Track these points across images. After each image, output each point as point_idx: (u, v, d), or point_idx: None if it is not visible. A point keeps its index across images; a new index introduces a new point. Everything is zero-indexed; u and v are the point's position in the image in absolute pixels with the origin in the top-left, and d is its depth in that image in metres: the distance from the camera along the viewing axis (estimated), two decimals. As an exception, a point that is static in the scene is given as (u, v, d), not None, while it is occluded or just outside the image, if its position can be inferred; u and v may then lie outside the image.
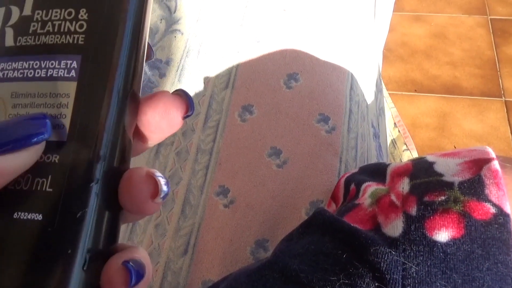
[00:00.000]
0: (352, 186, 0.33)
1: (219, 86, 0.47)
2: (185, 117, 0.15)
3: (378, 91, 0.58)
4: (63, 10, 0.14)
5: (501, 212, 0.23)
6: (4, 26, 0.15)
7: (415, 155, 0.93)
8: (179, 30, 0.51)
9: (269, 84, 0.45)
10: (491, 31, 1.23)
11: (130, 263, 0.13)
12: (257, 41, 0.49)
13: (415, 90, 1.12)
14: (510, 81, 1.11)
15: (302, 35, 0.49)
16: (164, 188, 0.14)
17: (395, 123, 0.97)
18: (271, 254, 0.30)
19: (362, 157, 0.45)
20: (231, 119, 0.44)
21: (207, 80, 0.48)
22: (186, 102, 0.15)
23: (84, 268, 0.13)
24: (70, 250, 0.13)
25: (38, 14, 0.14)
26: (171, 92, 0.15)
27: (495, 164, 0.25)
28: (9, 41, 0.15)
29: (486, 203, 0.23)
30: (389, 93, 0.98)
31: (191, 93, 0.48)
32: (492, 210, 0.23)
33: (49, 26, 0.14)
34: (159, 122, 0.14)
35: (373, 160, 0.48)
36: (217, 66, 0.48)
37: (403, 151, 0.95)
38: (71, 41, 0.14)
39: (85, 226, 0.13)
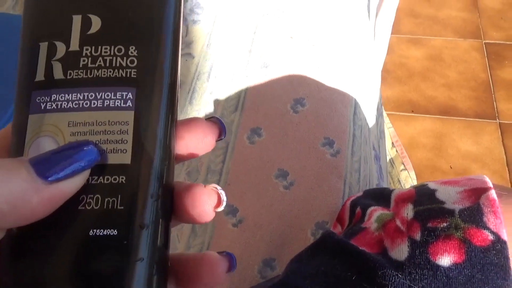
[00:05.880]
0: (358, 209, 0.34)
1: (228, 109, 0.49)
2: (217, 140, 0.17)
3: (379, 114, 0.61)
4: (112, 46, 0.16)
5: (498, 239, 0.25)
6: (50, 60, 0.16)
7: (412, 175, 0.95)
8: (190, 54, 0.53)
9: (277, 108, 0.48)
10: (485, 55, 1.27)
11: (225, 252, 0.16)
12: (265, 66, 0.51)
13: (412, 111, 1.15)
14: (504, 103, 1.15)
15: (308, 61, 0.51)
16: (225, 198, 0.16)
17: (392, 143, 0.99)
18: (282, 274, 0.31)
19: (364, 180, 0.47)
20: (240, 141, 0.46)
21: (217, 103, 0.50)
22: (220, 128, 0.17)
23: (154, 273, 0.15)
24: (144, 258, 0.14)
25: (87, 50, 0.16)
26: (205, 119, 0.17)
27: (493, 193, 0.27)
28: (58, 74, 0.16)
29: (485, 230, 0.25)
30: (386, 113, 1.00)
31: (201, 115, 0.50)
32: (490, 237, 0.25)
33: (100, 61, 0.16)
34: (195, 145, 0.16)
35: (375, 182, 0.50)
36: (226, 90, 0.50)
37: (401, 170, 0.97)
38: (124, 74, 0.16)
39: (153, 237, 0.15)
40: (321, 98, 0.48)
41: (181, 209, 0.16)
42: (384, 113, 0.92)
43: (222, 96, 0.50)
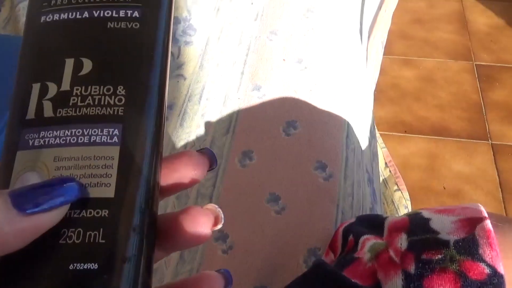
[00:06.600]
0: (351, 237, 0.34)
1: (220, 131, 0.48)
2: (209, 170, 0.18)
3: (372, 137, 0.60)
4: (101, 86, 0.17)
5: (495, 273, 0.24)
6: (41, 99, 0.16)
7: (406, 195, 0.94)
8: (182, 75, 0.53)
9: (269, 131, 0.47)
10: (476, 76, 1.28)
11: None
12: (258, 88, 0.51)
13: (405, 131, 1.15)
14: (496, 125, 1.15)
15: (300, 84, 0.51)
16: (222, 215, 0.16)
17: (386, 163, 0.99)
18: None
19: (358, 204, 0.46)
20: (231, 165, 0.45)
21: (208, 125, 0.49)
22: (211, 158, 0.17)
23: None
24: None
25: (77, 89, 0.17)
26: (196, 150, 0.18)
27: (488, 224, 0.26)
28: (48, 112, 0.16)
29: (481, 263, 0.25)
30: (380, 134, 1.00)
31: (192, 138, 0.49)
32: (487, 270, 0.24)
33: (89, 100, 0.16)
34: (186, 177, 0.17)
35: (368, 206, 0.49)
36: (218, 112, 0.50)
37: (394, 191, 0.97)
38: (111, 112, 0.16)
39: (135, 270, 0.15)
40: (313, 121, 0.48)
41: (178, 233, 0.16)
42: (377, 133, 0.92)
43: (213, 119, 0.49)
